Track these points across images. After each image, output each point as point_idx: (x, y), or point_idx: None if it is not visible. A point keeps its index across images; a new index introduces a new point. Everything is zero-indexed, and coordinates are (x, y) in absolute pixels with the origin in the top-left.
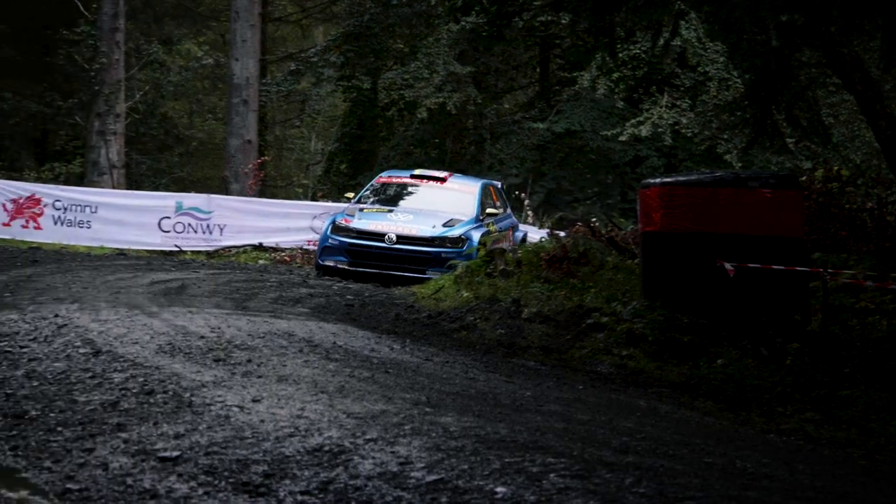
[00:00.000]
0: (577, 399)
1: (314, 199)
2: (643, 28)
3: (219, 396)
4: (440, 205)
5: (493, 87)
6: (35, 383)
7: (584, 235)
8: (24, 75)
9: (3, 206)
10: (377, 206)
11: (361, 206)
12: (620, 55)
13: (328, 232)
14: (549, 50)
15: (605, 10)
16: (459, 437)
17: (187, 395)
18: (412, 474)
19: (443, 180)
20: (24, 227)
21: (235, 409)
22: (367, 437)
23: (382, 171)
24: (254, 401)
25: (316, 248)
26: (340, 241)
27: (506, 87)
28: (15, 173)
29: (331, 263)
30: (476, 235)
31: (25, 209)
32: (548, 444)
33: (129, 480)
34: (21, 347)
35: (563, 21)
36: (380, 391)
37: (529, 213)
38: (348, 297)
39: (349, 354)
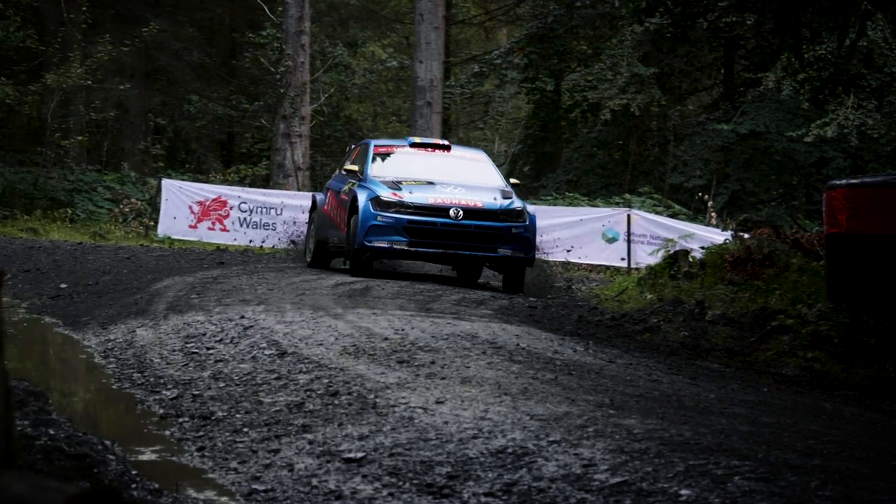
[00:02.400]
0: (761, 402)
1: None
2: (829, 29)
3: (403, 398)
4: (467, 175)
5: (677, 88)
6: (221, 384)
7: (768, 237)
8: (211, 78)
9: (190, 208)
10: (401, 177)
11: (377, 176)
12: (806, 56)
13: (370, 209)
14: (734, 51)
15: (790, 10)
16: (643, 440)
17: (371, 396)
18: (596, 476)
19: (448, 148)
20: (210, 228)
21: (419, 410)
22: (551, 438)
23: (563, 170)
24: (437, 402)
25: (343, 228)
26: (396, 219)
27: (690, 89)
28: (201, 176)
29: (383, 245)
30: (530, 208)
31: (212, 211)
32: (732, 447)
33: (315, 481)
34: (208, 349)
35: (749, 22)
36: (563, 393)
37: (713, 214)
38: (531, 298)
39: (532, 356)
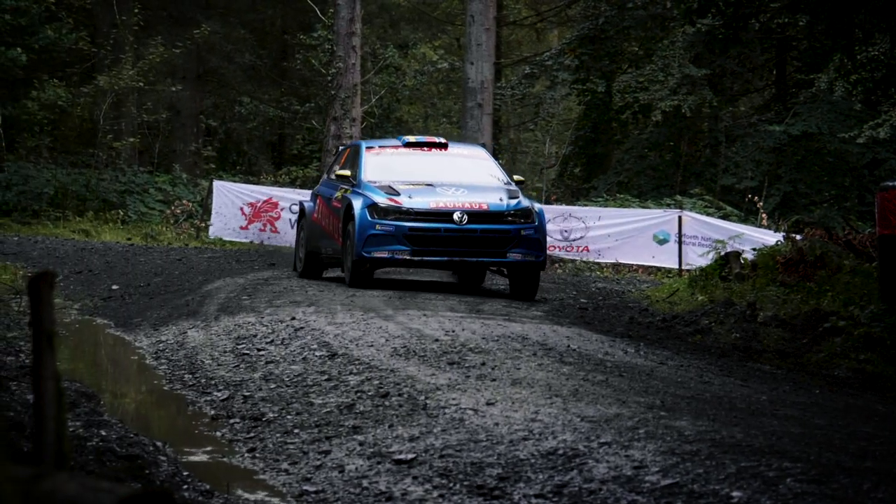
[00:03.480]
0: (813, 403)
1: (548, 202)
2: (881, 29)
3: (453, 399)
4: (468, 175)
5: (729, 89)
6: (272, 385)
7: (820, 239)
8: (262, 80)
9: (241, 209)
10: (398, 181)
11: (372, 181)
12: (858, 57)
13: (367, 217)
14: (786, 52)
15: (843, 11)
16: (694, 441)
17: (422, 397)
18: (647, 478)
19: (444, 146)
20: (261, 230)
21: (470, 412)
22: (601, 440)
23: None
24: (488, 404)
25: (336, 238)
26: (396, 227)
27: (741, 90)
28: (252, 177)
29: (384, 255)
30: (537, 207)
31: (262, 213)
32: (784, 449)
33: (365, 482)
34: (258, 350)
35: (801, 22)
36: (614, 395)
37: (764, 216)
38: (582, 299)
39: (583, 358)
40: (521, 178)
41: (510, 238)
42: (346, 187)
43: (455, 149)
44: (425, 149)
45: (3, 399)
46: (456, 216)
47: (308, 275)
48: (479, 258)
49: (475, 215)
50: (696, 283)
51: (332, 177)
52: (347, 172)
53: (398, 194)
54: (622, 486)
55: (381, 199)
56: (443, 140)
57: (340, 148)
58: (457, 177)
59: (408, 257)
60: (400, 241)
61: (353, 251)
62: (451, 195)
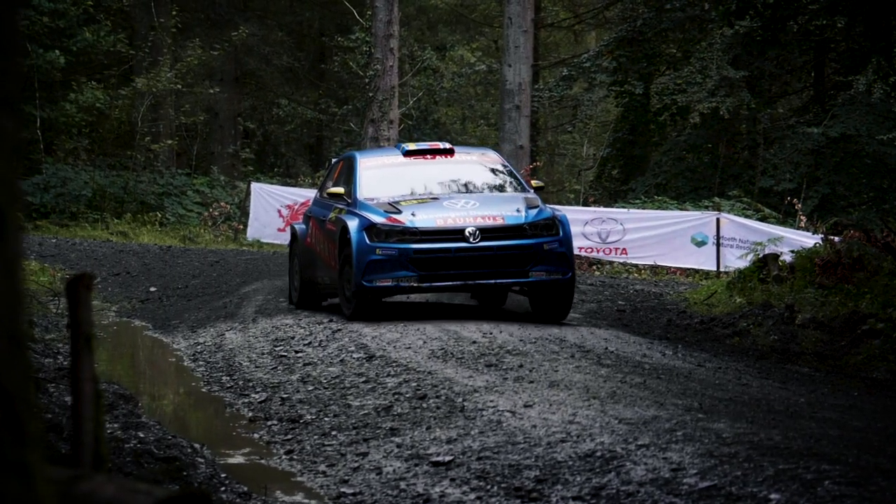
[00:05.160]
0: (852, 406)
1: (585, 204)
2: None
3: (491, 401)
4: (478, 183)
5: (767, 91)
6: (310, 387)
7: (859, 241)
8: (300, 82)
9: (279, 211)
10: (398, 196)
11: (370, 198)
12: None
13: (366, 240)
14: (825, 53)
15: (881, 13)
16: (732, 444)
17: (459, 399)
18: (685, 480)
19: (450, 152)
20: None
21: (507, 414)
22: (639, 442)
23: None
24: (525, 406)
25: (332, 265)
26: (399, 250)
27: (780, 92)
28: (290, 179)
29: (387, 283)
30: (560, 215)
31: (300, 215)
32: (822, 451)
33: (403, 485)
34: (296, 352)
35: (839, 24)
36: (651, 397)
37: (803, 218)
38: (619, 301)
39: (621, 360)
40: (540, 182)
41: (532, 254)
42: (340, 207)
43: (462, 154)
44: (428, 157)
45: (42, 401)
46: (468, 233)
47: (305, 306)
48: (498, 280)
49: (490, 231)
50: (735, 286)
51: (325, 195)
52: (341, 190)
53: (399, 212)
54: (660, 488)
55: (380, 219)
56: (447, 145)
57: (332, 161)
58: (466, 186)
59: (415, 284)
60: (405, 266)
61: (352, 280)
62: (460, 209)
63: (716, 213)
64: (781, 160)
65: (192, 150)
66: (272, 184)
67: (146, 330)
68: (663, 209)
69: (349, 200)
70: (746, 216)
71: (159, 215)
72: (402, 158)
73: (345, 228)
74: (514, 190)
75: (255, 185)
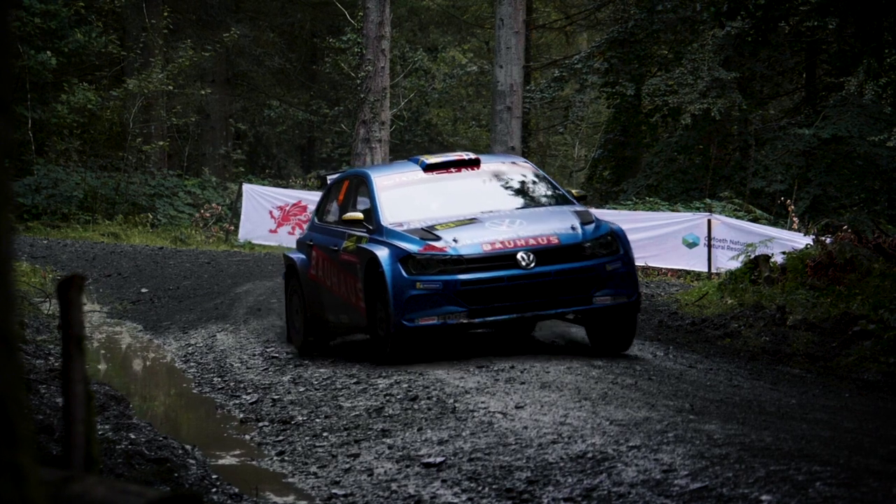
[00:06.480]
0: (843, 407)
1: None
2: None
3: (482, 403)
4: (516, 198)
5: (759, 92)
6: (301, 389)
7: (850, 242)
8: (291, 83)
9: (270, 213)
10: (429, 218)
11: (397, 223)
12: (888, 60)
13: (402, 273)
14: (816, 55)
15: (872, 14)
16: (723, 445)
17: (451, 401)
18: (676, 482)
19: (476, 163)
20: (290, 233)
21: (499, 415)
22: (631, 444)
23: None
24: (517, 407)
25: (356, 302)
26: (444, 282)
27: (771, 93)
28: (281, 181)
29: (432, 321)
30: (616, 228)
31: (292, 216)
32: (813, 453)
33: (394, 486)
34: (287, 353)
35: (830, 26)
36: (643, 398)
37: (795, 219)
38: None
39: (611, 361)
40: (581, 191)
41: (594, 277)
42: (358, 234)
43: (489, 164)
44: (452, 170)
45: (33, 402)
46: (520, 258)
47: (310, 349)
48: (557, 309)
49: (545, 253)
50: (726, 287)
51: (331, 220)
52: (359, 215)
53: (437, 238)
54: (651, 489)
55: (417, 248)
56: (471, 155)
57: (330, 180)
58: (503, 202)
59: (464, 321)
60: (451, 300)
61: (390, 320)
62: (506, 230)
63: (707, 214)
64: (773, 161)
65: (183, 152)
66: (264, 185)
67: (137, 331)
68: (654, 210)
69: (370, 227)
70: (738, 217)
71: (150, 216)
72: (422, 174)
73: (373, 261)
74: (557, 202)
75: (246, 187)
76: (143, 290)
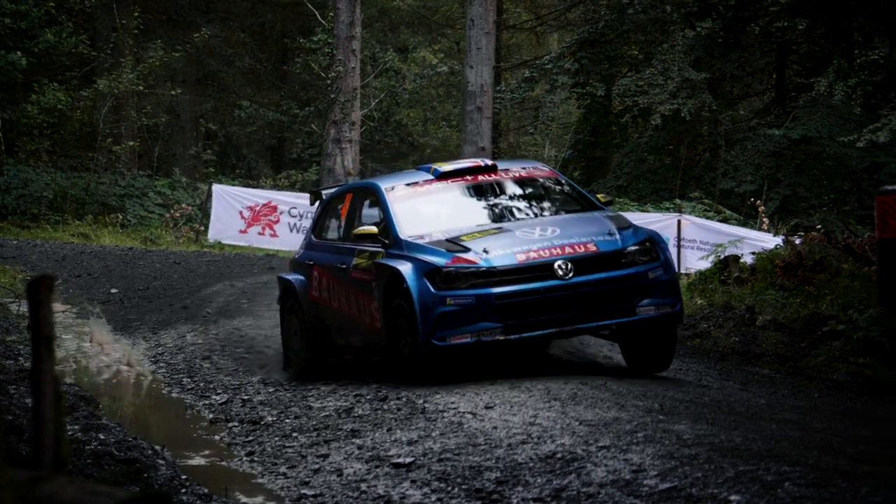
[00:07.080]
0: (812, 407)
1: None
2: (880, 33)
3: (451, 403)
4: (542, 203)
5: (729, 93)
6: (271, 389)
7: (819, 242)
8: (261, 84)
9: (241, 213)
10: (451, 229)
11: (417, 236)
12: (857, 60)
13: (430, 289)
14: (786, 56)
15: (842, 15)
16: (693, 445)
17: (420, 401)
18: (645, 482)
19: (493, 169)
20: (260, 234)
21: (468, 415)
22: (600, 444)
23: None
24: (486, 407)
25: (371, 322)
26: (476, 297)
27: (741, 94)
28: (252, 181)
29: (465, 339)
30: (654, 232)
31: (262, 216)
32: (782, 453)
33: (363, 486)
34: (257, 352)
35: (800, 26)
36: (612, 398)
37: (765, 219)
38: None
39: (581, 362)
40: (608, 196)
41: (637, 285)
42: (372, 249)
43: (507, 170)
44: (468, 178)
45: (3, 402)
46: (557, 267)
47: (310, 373)
48: (599, 321)
49: (583, 262)
50: (695, 287)
51: (332, 236)
52: (373, 229)
53: (466, 249)
54: (621, 489)
55: (444, 260)
56: (487, 161)
57: (327, 194)
58: (529, 209)
59: (501, 337)
60: (486, 315)
61: (419, 339)
62: (539, 238)
63: (677, 214)
64: (742, 162)
65: (153, 152)
66: (234, 185)
67: (107, 331)
68: (624, 211)
69: (386, 241)
70: (708, 218)
71: (120, 217)
72: (435, 183)
73: (395, 276)
74: (586, 208)
75: (216, 187)
76: (113, 291)
